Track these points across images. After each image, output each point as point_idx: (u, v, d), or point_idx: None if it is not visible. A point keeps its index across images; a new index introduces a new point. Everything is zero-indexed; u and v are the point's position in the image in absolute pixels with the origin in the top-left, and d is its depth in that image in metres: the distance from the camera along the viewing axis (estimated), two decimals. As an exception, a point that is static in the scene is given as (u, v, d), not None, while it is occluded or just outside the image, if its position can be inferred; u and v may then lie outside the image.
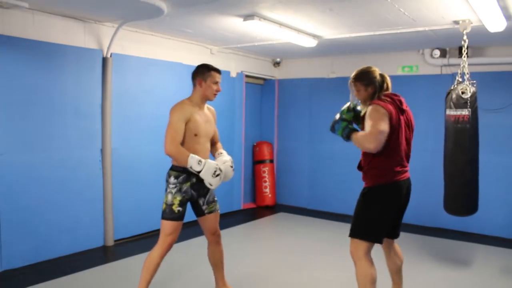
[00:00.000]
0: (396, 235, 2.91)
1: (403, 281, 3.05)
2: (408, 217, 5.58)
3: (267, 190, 6.57)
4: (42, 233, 3.90)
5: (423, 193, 5.47)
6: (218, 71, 2.89)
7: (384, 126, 2.55)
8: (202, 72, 2.86)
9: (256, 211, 6.47)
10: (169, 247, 2.82)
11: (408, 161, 2.80)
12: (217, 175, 2.77)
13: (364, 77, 2.74)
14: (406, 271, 3.89)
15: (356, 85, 2.77)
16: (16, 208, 3.71)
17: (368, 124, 2.61)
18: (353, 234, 2.72)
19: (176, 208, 2.79)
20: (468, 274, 3.86)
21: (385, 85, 2.75)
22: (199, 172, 2.73)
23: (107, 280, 3.58)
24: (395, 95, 2.75)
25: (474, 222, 5.02)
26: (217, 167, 2.78)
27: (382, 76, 2.76)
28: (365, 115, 2.69)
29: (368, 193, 2.73)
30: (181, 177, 2.81)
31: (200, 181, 2.83)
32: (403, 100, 2.75)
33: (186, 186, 2.82)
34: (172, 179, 2.82)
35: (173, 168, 2.85)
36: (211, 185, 2.78)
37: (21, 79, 3.72)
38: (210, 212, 2.99)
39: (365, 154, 2.75)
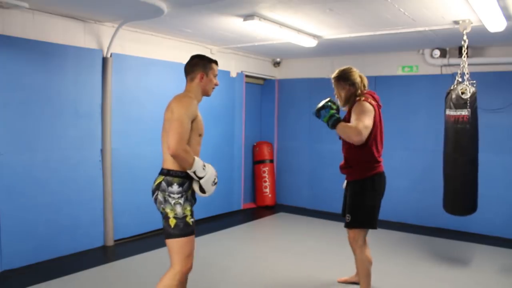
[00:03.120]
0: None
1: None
2: (408, 217, 5.69)
3: (267, 190, 6.57)
4: (42, 233, 3.91)
5: (424, 193, 5.48)
6: (217, 62, 2.58)
7: (369, 122, 2.78)
8: (204, 64, 2.51)
9: (256, 211, 6.47)
10: (189, 270, 2.37)
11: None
12: (215, 184, 2.45)
13: (347, 77, 3.01)
14: (406, 271, 3.90)
15: (340, 84, 3.03)
16: (16, 208, 3.71)
17: (354, 118, 2.80)
18: (353, 224, 2.97)
19: (190, 219, 2.37)
20: (468, 274, 3.86)
21: (362, 85, 3.03)
22: (201, 178, 2.36)
23: (107, 280, 3.58)
24: (374, 93, 3.05)
25: (474, 222, 5.02)
26: (216, 174, 2.46)
27: (361, 77, 3.05)
28: (350, 110, 2.93)
29: (362, 185, 2.95)
30: (185, 184, 2.39)
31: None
32: (378, 97, 3.06)
33: (189, 194, 2.44)
34: (175, 188, 2.35)
35: (173, 174, 2.38)
36: (204, 194, 2.41)
37: (21, 79, 3.73)
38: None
39: (352, 151, 2.96)
